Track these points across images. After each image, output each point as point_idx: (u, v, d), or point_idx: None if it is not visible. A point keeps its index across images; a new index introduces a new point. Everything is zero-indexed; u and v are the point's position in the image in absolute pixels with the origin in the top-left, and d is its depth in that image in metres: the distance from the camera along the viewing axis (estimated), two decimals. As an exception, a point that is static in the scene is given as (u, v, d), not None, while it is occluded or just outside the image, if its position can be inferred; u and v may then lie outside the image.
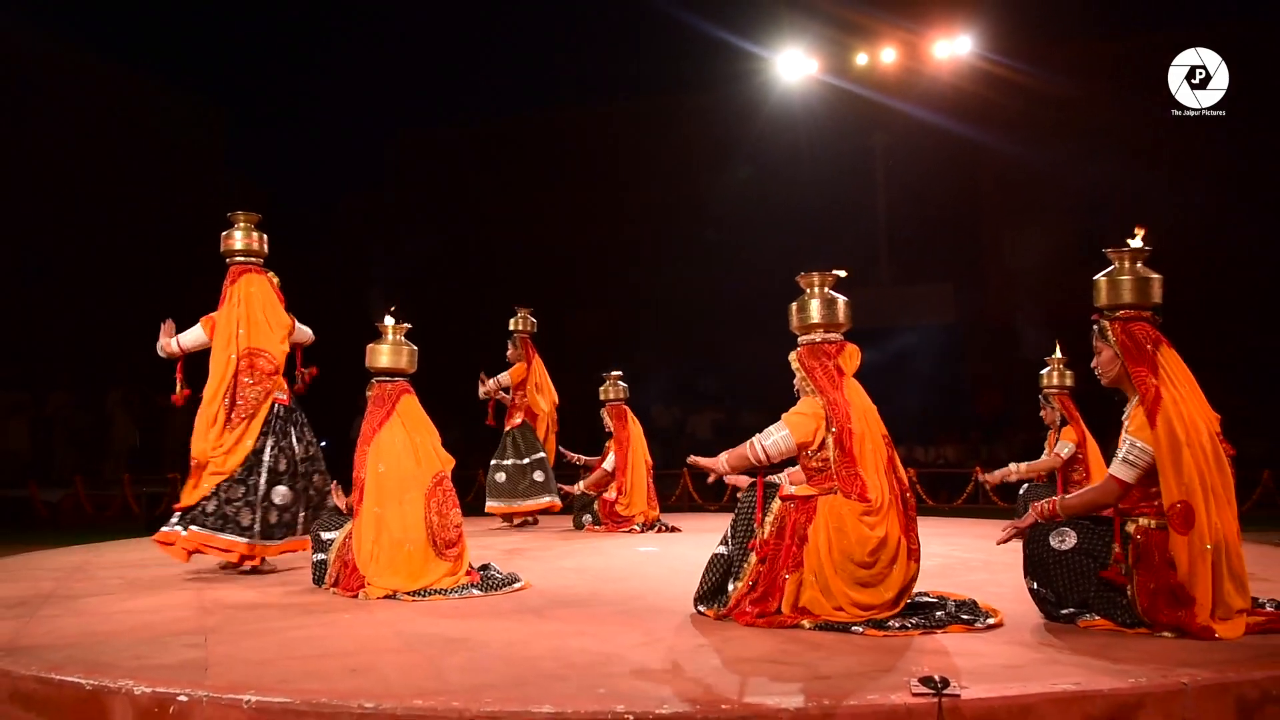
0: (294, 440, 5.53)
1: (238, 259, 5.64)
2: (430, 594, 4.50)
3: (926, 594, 4.04)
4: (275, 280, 5.79)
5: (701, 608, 3.98)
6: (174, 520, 5.33)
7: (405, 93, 20.38)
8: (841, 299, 4.09)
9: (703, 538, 7.42)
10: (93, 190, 16.70)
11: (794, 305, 4.12)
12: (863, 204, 18.53)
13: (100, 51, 17.04)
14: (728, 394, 17.81)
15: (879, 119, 17.76)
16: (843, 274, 4.12)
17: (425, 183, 21.30)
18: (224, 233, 5.68)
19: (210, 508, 5.27)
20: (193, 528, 5.25)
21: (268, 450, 5.40)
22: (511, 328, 8.93)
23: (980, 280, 18.80)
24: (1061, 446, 6.75)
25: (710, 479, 4.22)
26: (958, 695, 2.61)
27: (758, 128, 17.42)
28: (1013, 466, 6.97)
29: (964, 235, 18.73)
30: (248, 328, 5.47)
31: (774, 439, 3.92)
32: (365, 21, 19.29)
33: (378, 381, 4.95)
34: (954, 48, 16.08)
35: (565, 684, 2.88)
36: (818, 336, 4.07)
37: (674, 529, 8.21)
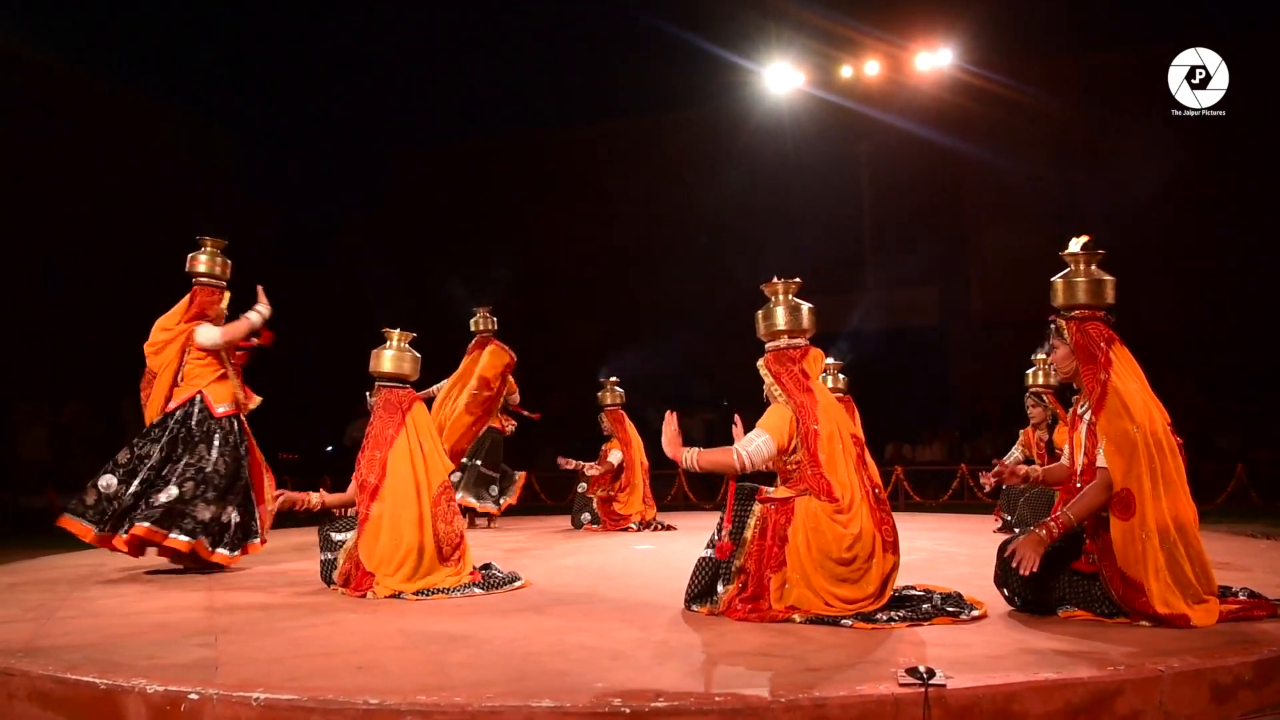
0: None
1: (203, 280, 5.73)
2: (434, 593, 4.49)
3: (913, 588, 4.04)
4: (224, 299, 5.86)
5: (694, 606, 3.98)
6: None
7: (407, 114, 20.36)
8: (805, 305, 4.09)
9: (697, 536, 7.41)
10: (107, 208, 16.68)
11: (760, 313, 4.13)
12: (848, 211, 18.57)
13: (116, 77, 17.00)
14: (720, 397, 17.82)
15: (863, 129, 17.81)
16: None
17: (426, 200, 21.31)
18: (190, 254, 5.76)
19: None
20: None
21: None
22: (473, 328, 8.79)
23: (963, 283, 18.84)
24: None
25: (669, 449, 4.06)
26: (943, 685, 2.61)
27: (747, 138, 17.45)
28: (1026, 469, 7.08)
29: (946, 240, 18.78)
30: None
31: (756, 445, 3.90)
32: (368, 46, 19.26)
33: (383, 387, 4.90)
34: (935, 60, 16.14)
35: (565, 679, 2.87)
36: (783, 342, 4.07)
37: (669, 527, 8.21)
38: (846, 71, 16.79)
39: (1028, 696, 2.65)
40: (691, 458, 3.97)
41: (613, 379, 8.58)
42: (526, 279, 19.32)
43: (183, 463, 5.39)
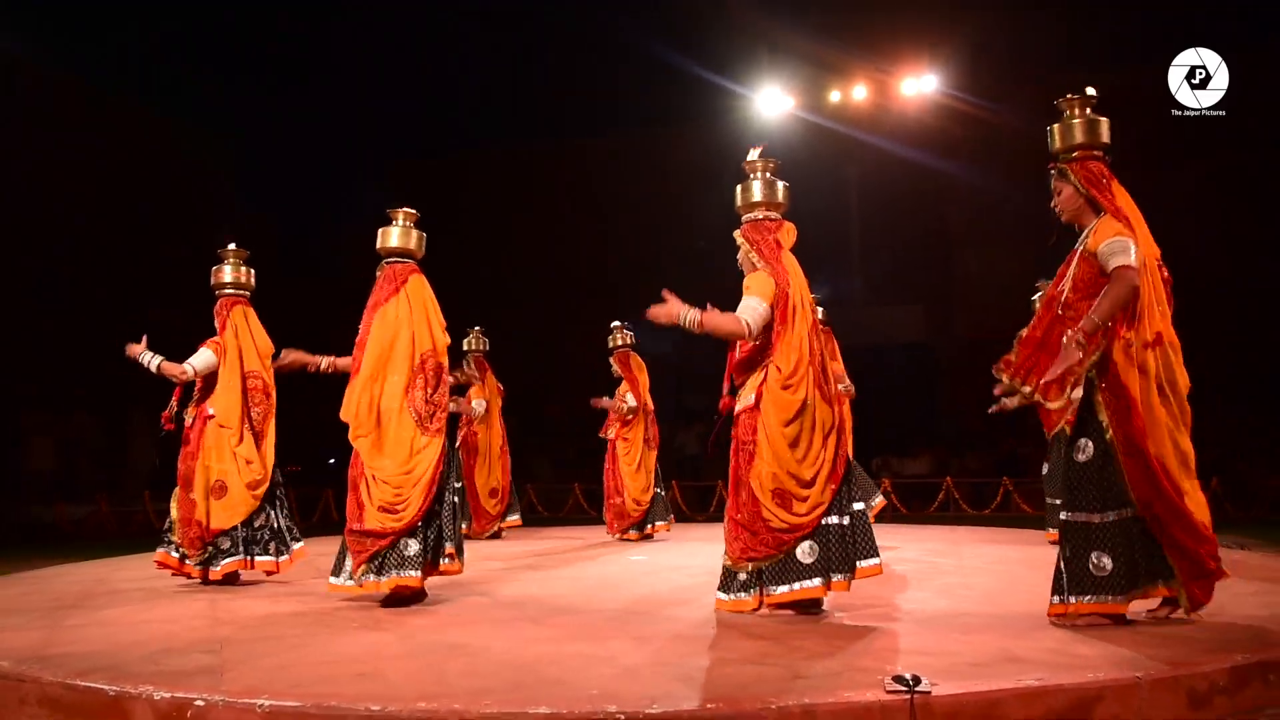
0: None
1: (227, 291, 5.61)
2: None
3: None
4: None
5: (720, 594, 4.02)
6: (226, 549, 5.30)
7: (407, 127, 20.42)
8: (781, 183, 4.25)
9: (691, 546, 7.43)
10: (114, 220, 16.70)
11: (739, 187, 4.27)
12: (838, 231, 18.64)
13: (121, 90, 17.01)
14: (714, 408, 17.83)
15: (852, 152, 17.93)
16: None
17: (425, 210, 21.33)
18: (214, 267, 5.62)
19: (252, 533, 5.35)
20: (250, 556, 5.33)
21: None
22: (465, 348, 8.77)
23: (948, 301, 18.91)
24: None
25: (665, 312, 3.97)
26: (929, 692, 2.62)
27: (738, 160, 17.50)
28: None
29: (933, 259, 18.87)
30: (245, 354, 5.47)
31: (755, 311, 3.97)
32: (370, 60, 19.32)
33: (387, 263, 4.84)
34: (920, 86, 16.27)
35: (561, 686, 2.88)
36: (759, 214, 4.22)
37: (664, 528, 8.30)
38: (835, 96, 16.93)
39: (1010, 703, 2.66)
40: (693, 317, 3.92)
41: (624, 323, 8.51)
42: (522, 290, 19.35)
43: None
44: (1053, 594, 3.61)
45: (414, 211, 4.91)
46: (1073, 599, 3.53)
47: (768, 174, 4.26)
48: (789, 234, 4.22)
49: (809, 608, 3.97)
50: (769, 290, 3.99)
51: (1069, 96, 3.77)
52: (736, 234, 4.24)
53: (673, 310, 3.93)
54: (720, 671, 3.08)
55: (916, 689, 2.62)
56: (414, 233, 4.87)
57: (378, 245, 4.86)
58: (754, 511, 3.86)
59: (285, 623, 4.15)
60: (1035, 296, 7.02)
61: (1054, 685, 2.72)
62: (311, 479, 14.29)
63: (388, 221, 4.87)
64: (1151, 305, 3.54)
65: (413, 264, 4.84)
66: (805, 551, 3.85)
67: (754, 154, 4.28)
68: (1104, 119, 3.74)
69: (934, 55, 16.11)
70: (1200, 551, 3.44)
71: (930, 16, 16.01)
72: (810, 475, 3.87)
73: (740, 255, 4.21)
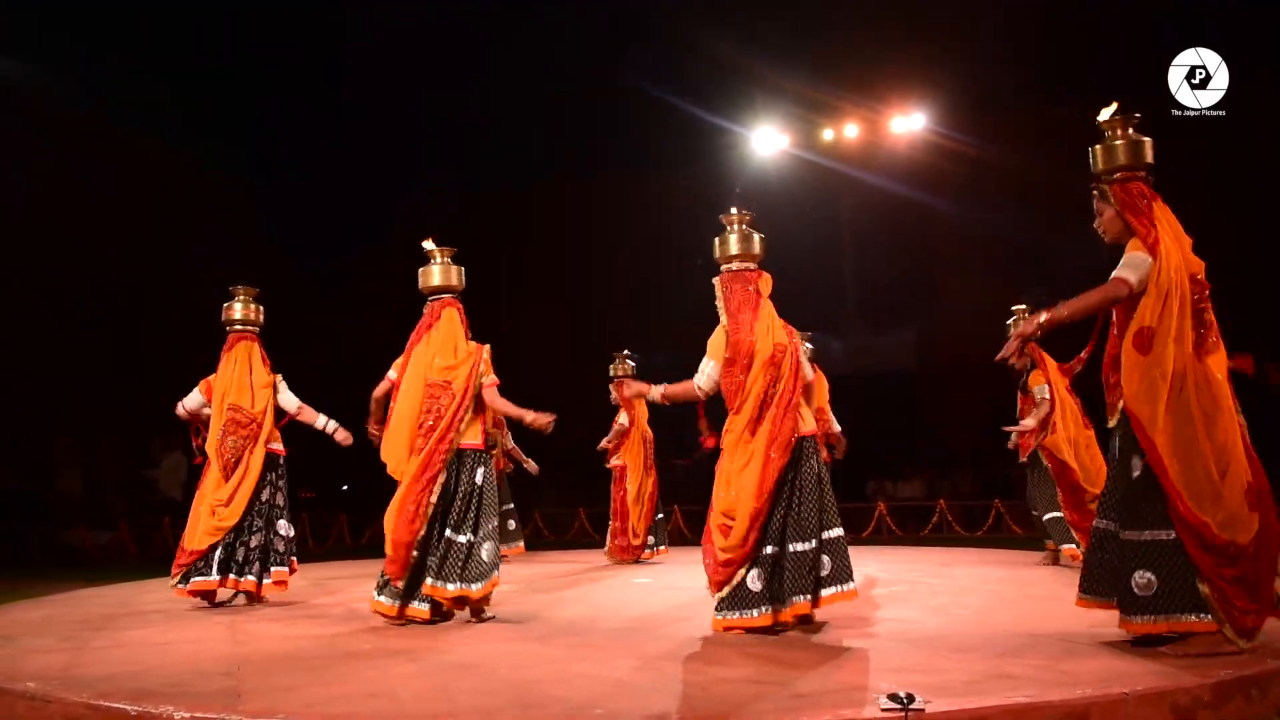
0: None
1: (236, 327, 5.67)
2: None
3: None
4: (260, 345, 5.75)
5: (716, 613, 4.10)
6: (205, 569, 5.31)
7: (418, 168, 20.54)
8: (757, 234, 4.34)
9: (693, 569, 7.39)
10: (140, 252, 16.76)
11: (716, 240, 4.35)
12: (831, 264, 18.72)
13: (157, 135, 17.04)
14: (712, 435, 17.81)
15: (844, 187, 18.04)
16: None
17: (440, 239, 21.45)
18: (225, 304, 5.70)
19: (221, 555, 5.32)
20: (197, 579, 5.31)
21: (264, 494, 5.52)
22: None
23: (937, 328, 18.94)
24: (1039, 391, 6.65)
25: (634, 390, 4.47)
26: (922, 710, 2.60)
27: (735, 195, 17.63)
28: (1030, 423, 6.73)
29: (922, 289, 18.91)
30: (231, 388, 5.51)
31: (705, 372, 4.23)
32: (382, 102, 19.45)
33: (432, 300, 4.89)
34: (909, 124, 16.41)
35: (567, 705, 2.86)
36: (736, 265, 4.30)
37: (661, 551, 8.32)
38: (828, 135, 17.08)
39: (1001, 719, 2.64)
40: (658, 392, 4.36)
41: (625, 352, 8.61)
42: (529, 309, 19.40)
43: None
44: (1138, 613, 3.31)
45: (451, 248, 4.97)
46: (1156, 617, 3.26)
47: (743, 226, 4.32)
48: (766, 283, 4.31)
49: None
50: (719, 345, 4.19)
51: (1113, 116, 3.64)
52: (715, 281, 4.31)
53: (641, 388, 4.41)
54: (718, 690, 3.06)
55: (910, 706, 2.60)
56: (454, 269, 4.96)
57: (420, 285, 4.93)
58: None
59: (301, 644, 4.14)
60: (1010, 320, 7.04)
61: (1043, 701, 2.70)
62: (326, 503, 14.27)
63: (424, 260, 4.91)
64: (1170, 332, 3.34)
65: (449, 298, 4.91)
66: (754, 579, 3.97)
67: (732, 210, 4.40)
68: (1147, 139, 3.60)
69: (921, 94, 16.27)
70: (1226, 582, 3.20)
71: (917, 58, 16.16)
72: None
73: (718, 302, 4.30)
